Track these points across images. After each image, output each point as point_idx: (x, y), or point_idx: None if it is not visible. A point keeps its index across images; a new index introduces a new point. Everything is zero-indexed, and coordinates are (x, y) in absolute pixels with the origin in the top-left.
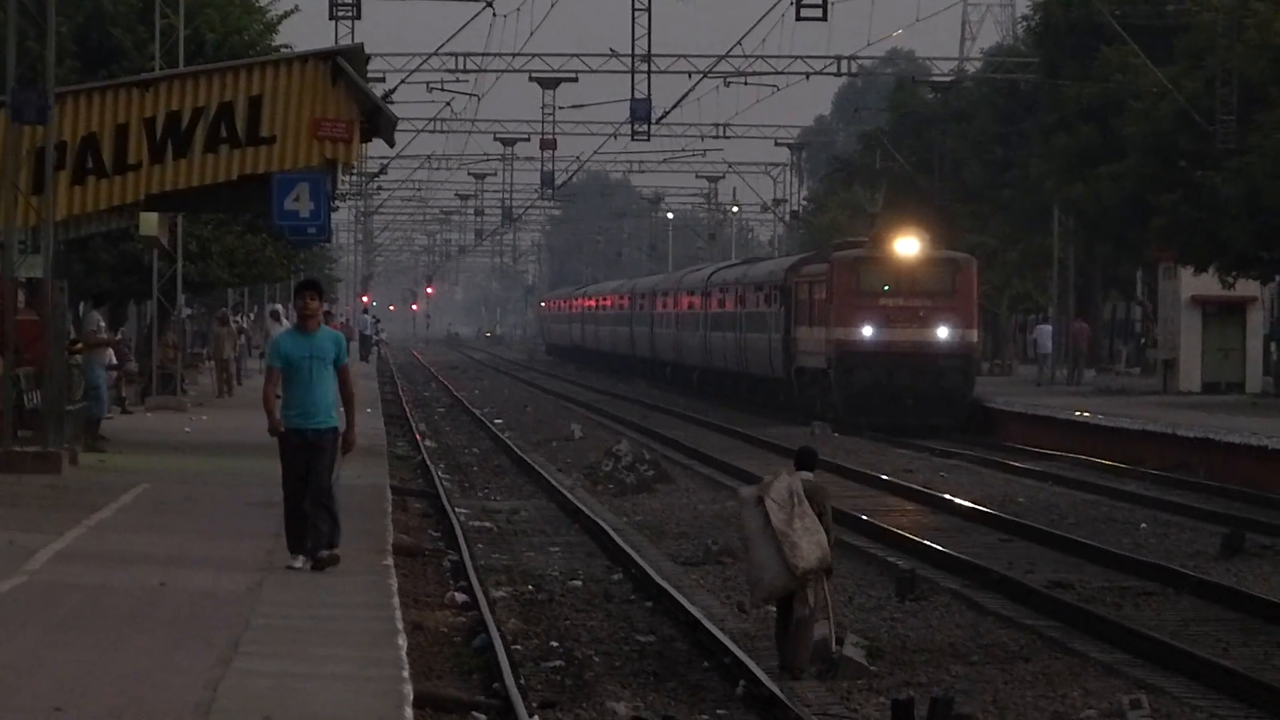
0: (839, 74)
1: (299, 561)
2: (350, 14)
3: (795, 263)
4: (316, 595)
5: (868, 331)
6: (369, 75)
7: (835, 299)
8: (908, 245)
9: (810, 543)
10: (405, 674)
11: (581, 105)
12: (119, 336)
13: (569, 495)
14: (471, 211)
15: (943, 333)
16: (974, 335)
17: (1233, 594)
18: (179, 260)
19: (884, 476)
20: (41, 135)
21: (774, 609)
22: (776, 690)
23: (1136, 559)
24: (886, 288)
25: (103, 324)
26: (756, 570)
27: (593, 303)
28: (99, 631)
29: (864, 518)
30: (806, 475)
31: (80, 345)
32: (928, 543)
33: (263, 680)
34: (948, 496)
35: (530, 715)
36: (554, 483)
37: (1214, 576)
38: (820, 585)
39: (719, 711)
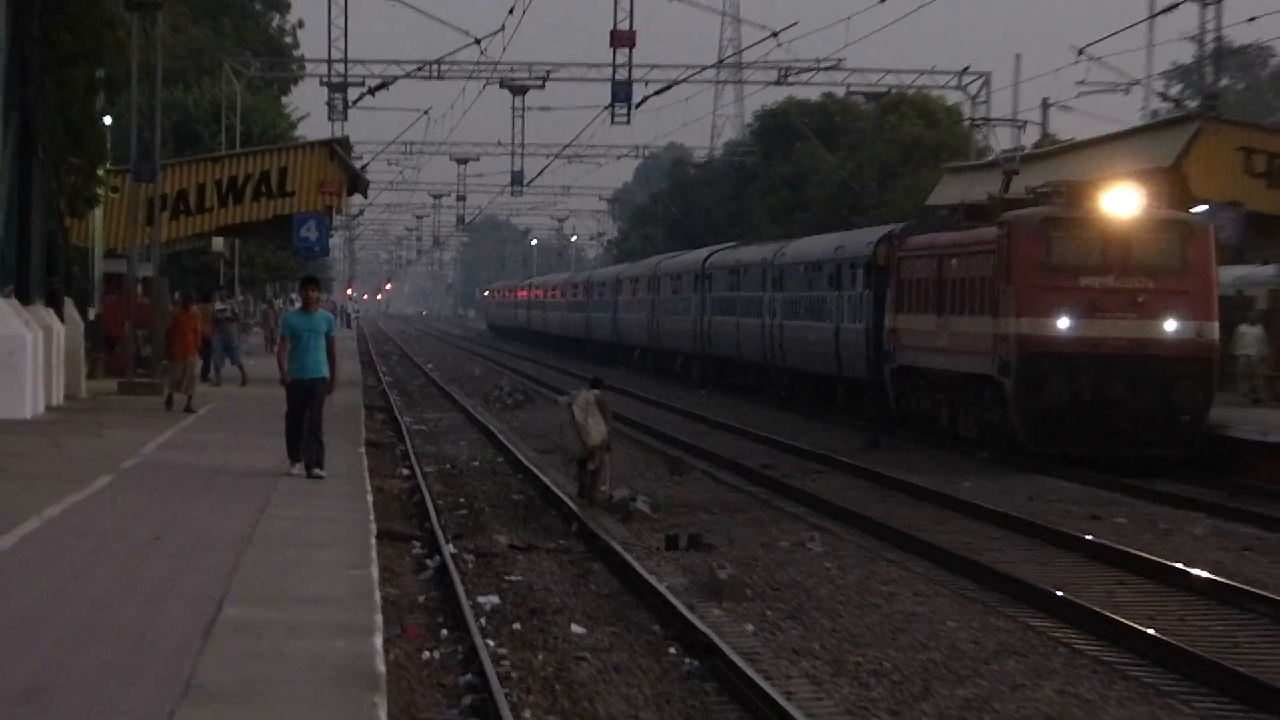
0: (637, 156)
1: (295, 469)
2: (340, 117)
3: (895, 231)
4: (311, 493)
5: (1064, 324)
6: (352, 154)
7: (1016, 278)
8: (1122, 202)
9: (596, 430)
10: (372, 518)
11: (481, 175)
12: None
13: (472, 410)
14: (415, 238)
15: (1172, 326)
16: (1215, 330)
17: (871, 473)
18: (235, 266)
19: (666, 401)
20: (152, 190)
21: (575, 468)
22: (594, 527)
23: (814, 450)
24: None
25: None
26: (565, 444)
27: (540, 293)
28: (183, 492)
29: (637, 422)
30: (596, 392)
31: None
32: (688, 440)
33: (284, 521)
34: (701, 413)
35: (447, 542)
36: (463, 403)
37: (860, 463)
38: (603, 457)
39: (561, 540)
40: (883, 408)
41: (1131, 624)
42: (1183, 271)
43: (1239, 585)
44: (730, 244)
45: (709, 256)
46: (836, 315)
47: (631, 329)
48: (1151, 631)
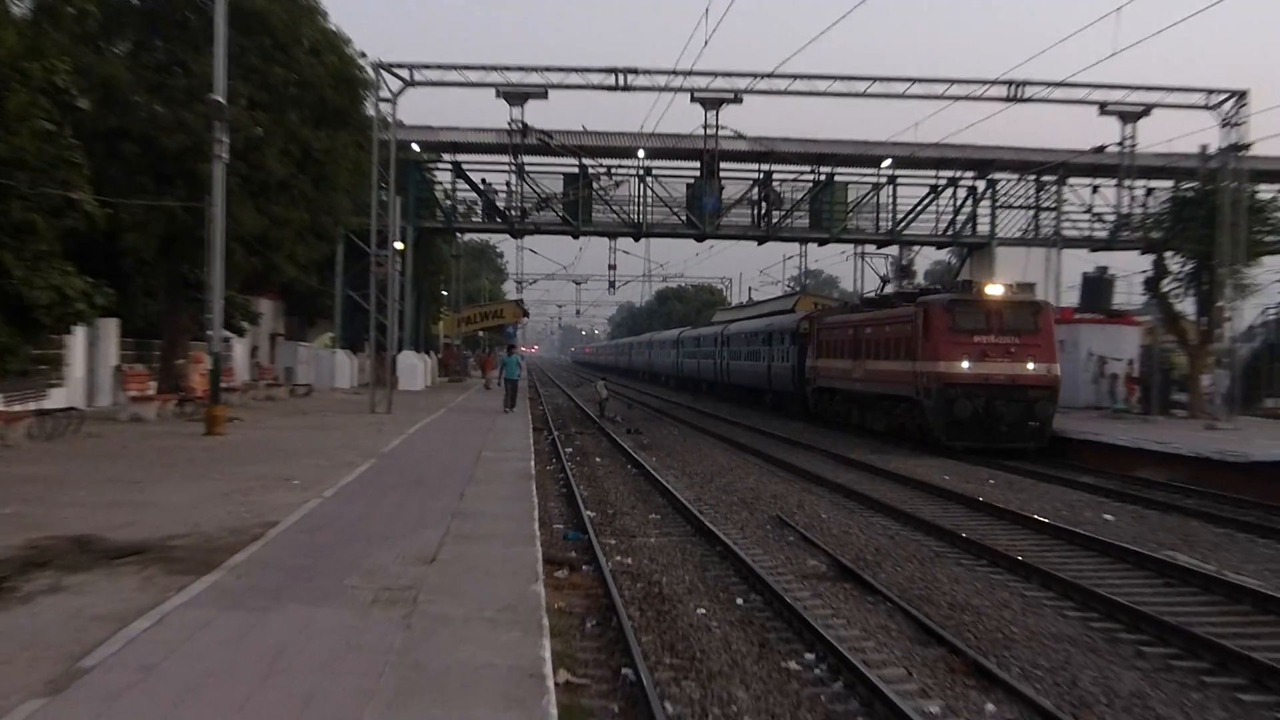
0: (617, 305)
1: (506, 411)
2: (520, 293)
3: (813, 314)
4: (511, 417)
5: (966, 365)
6: (523, 305)
7: (932, 337)
8: (997, 291)
9: (604, 391)
10: (530, 424)
11: (564, 311)
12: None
13: (564, 388)
14: (546, 330)
15: (1031, 366)
16: (1057, 368)
17: (703, 412)
18: (486, 342)
19: (646, 391)
20: (459, 315)
21: (597, 406)
22: (605, 426)
23: (682, 403)
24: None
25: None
26: (596, 396)
27: (594, 350)
28: (467, 415)
29: (626, 396)
30: (605, 381)
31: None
32: (631, 397)
33: (503, 424)
34: (656, 395)
35: (555, 430)
36: (565, 389)
37: (697, 407)
38: (606, 402)
39: (593, 431)
40: (800, 408)
41: (792, 462)
42: (1036, 333)
43: (813, 442)
44: (690, 326)
45: (681, 333)
46: (768, 359)
47: (638, 365)
48: (798, 465)
